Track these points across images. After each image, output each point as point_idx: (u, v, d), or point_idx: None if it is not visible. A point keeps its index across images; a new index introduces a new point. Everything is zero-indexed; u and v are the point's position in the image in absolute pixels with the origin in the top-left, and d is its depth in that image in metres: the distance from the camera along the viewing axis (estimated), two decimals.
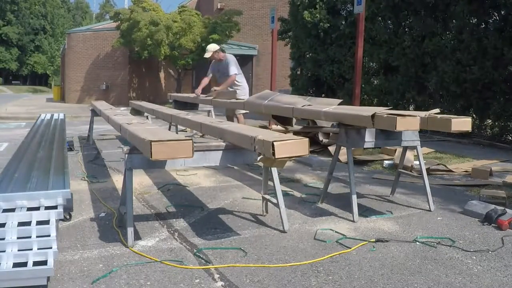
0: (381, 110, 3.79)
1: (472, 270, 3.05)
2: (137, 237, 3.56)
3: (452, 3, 9.36)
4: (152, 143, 2.90)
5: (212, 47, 7.58)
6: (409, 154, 5.87)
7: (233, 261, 3.13)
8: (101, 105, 8.01)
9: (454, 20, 9.43)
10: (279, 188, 3.74)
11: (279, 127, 7.46)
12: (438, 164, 6.32)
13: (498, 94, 8.83)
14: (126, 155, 3.33)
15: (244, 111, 7.12)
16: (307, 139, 3.04)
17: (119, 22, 20.37)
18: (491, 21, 8.92)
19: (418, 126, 3.70)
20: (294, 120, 6.19)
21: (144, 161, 3.31)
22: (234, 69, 7.44)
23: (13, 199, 3.17)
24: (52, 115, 9.07)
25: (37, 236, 2.86)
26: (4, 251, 2.69)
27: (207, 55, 7.55)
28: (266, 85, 21.06)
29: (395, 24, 11.17)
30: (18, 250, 2.72)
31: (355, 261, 3.17)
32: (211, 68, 7.81)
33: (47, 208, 3.20)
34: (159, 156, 2.93)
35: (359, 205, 4.22)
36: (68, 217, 3.89)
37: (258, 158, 3.25)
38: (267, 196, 4.07)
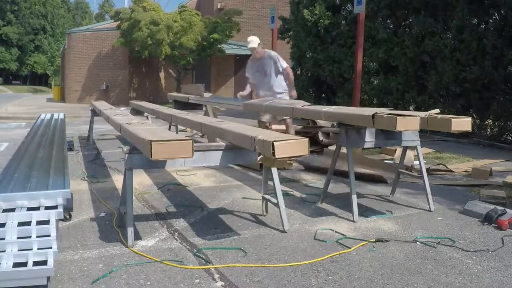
0: (382, 110, 3.79)
1: (472, 270, 3.05)
2: (137, 237, 3.56)
3: (452, 2, 9.36)
4: (152, 143, 2.90)
5: (257, 39, 6.24)
6: (409, 154, 5.87)
7: (233, 261, 3.13)
8: (101, 105, 8.01)
9: (454, 20, 9.44)
10: (279, 188, 3.74)
11: (279, 127, 7.45)
12: (438, 164, 6.32)
13: (498, 94, 8.84)
14: (126, 155, 3.33)
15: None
16: (307, 139, 3.05)
17: (120, 21, 20.37)
18: (491, 21, 8.93)
19: (418, 126, 3.70)
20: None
21: (144, 161, 3.31)
22: (284, 62, 6.31)
23: (13, 199, 3.18)
24: (52, 115, 9.07)
25: (37, 236, 2.87)
26: (4, 251, 2.69)
27: (253, 45, 6.15)
28: None
29: (394, 23, 11.18)
30: (18, 250, 2.72)
31: (355, 261, 3.17)
32: (250, 69, 6.53)
33: (47, 208, 3.20)
34: (159, 156, 2.93)
35: (359, 205, 4.22)
36: (68, 217, 3.89)
37: (258, 158, 3.25)
38: (267, 196, 4.07)
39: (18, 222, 2.98)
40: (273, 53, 6.41)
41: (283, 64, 6.27)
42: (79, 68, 22.96)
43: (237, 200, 4.75)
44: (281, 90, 6.36)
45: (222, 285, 2.80)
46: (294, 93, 6.48)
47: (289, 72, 6.34)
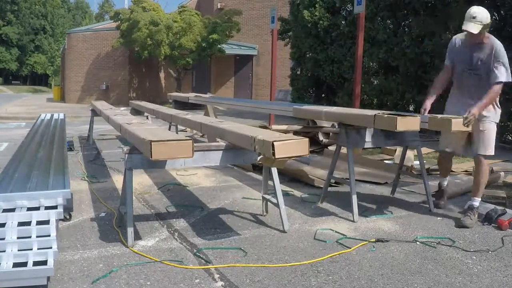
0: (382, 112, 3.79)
1: (472, 270, 3.05)
2: (137, 237, 3.56)
3: (451, 2, 9.36)
4: (152, 143, 2.90)
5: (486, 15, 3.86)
6: (409, 154, 5.87)
7: (233, 261, 3.13)
8: (101, 105, 8.01)
9: (453, 20, 9.43)
10: (279, 188, 3.74)
11: (279, 127, 7.46)
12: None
13: None
14: (126, 155, 3.33)
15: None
16: (307, 139, 3.05)
17: (119, 22, 20.37)
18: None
19: (418, 126, 3.70)
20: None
21: (144, 161, 3.31)
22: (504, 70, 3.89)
23: (13, 199, 3.17)
24: (52, 115, 9.06)
25: (37, 236, 2.86)
26: (4, 251, 2.69)
27: (476, 29, 3.83)
28: (266, 85, 21.08)
29: (394, 23, 11.18)
30: (18, 250, 2.72)
31: (355, 261, 3.17)
32: (453, 52, 4.22)
33: (47, 208, 3.20)
34: (159, 156, 2.93)
35: (359, 205, 4.22)
36: (68, 217, 3.89)
37: (258, 158, 3.25)
38: (267, 196, 4.07)
39: (18, 222, 2.98)
40: (497, 43, 4.07)
41: (501, 73, 3.93)
42: (79, 68, 22.97)
43: (237, 200, 4.75)
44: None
45: (222, 285, 2.80)
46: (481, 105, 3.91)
47: (496, 86, 3.98)
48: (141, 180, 5.51)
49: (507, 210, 4.00)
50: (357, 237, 3.62)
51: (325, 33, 13.03)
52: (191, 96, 9.04)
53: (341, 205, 4.51)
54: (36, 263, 2.62)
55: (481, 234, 3.74)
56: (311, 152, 5.47)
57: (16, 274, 2.53)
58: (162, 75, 24.75)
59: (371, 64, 12.15)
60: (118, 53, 22.43)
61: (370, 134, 4.07)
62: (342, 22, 12.71)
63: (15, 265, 2.61)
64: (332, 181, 4.94)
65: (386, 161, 6.60)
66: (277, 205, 3.77)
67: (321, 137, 7.47)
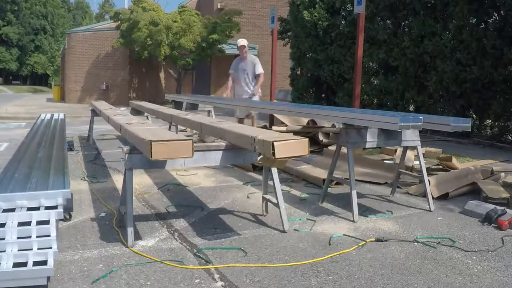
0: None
1: (472, 270, 3.05)
2: (137, 237, 3.56)
3: (451, 3, 9.36)
4: (152, 143, 2.90)
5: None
6: (409, 154, 5.86)
7: (233, 261, 3.13)
8: (101, 105, 8.01)
9: (453, 20, 9.44)
10: (279, 188, 3.74)
11: (279, 127, 7.45)
12: (438, 164, 6.31)
13: (498, 94, 8.84)
14: (126, 155, 3.33)
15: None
16: (307, 139, 3.05)
17: (119, 22, 20.37)
18: (490, 21, 8.93)
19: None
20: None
21: (144, 161, 3.31)
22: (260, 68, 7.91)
23: (13, 199, 3.17)
24: (52, 115, 9.06)
25: (37, 236, 2.86)
26: (4, 251, 2.69)
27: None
28: (266, 85, 21.06)
29: (394, 24, 11.18)
30: (18, 250, 2.72)
31: (355, 261, 3.17)
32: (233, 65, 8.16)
33: (47, 208, 3.20)
34: (159, 156, 2.93)
35: (359, 205, 4.22)
36: (68, 217, 3.89)
37: (258, 158, 3.25)
38: (267, 196, 4.07)
39: (18, 222, 2.98)
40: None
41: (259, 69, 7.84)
42: (79, 68, 22.98)
43: (237, 200, 4.75)
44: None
45: (222, 285, 2.80)
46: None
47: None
48: (141, 180, 5.51)
49: (507, 210, 4.00)
50: (357, 237, 3.61)
51: (324, 33, 13.04)
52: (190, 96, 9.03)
53: (341, 205, 4.51)
54: (36, 263, 2.62)
55: (481, 234, 3.74)
56: (311, 152, 5.46)
57: (16, 274, 2.53)
58: (162, 75, 24.75)
59: (371, 64, 12.15)
60: (118, 53, 22.44)
61: (371, 134, 4.07)
62: (342, 22, 12.72)
63: (15, 265, 2.61)
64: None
65: (386, 161, 6.60)
66: (277, 205, 3.77)
67: (321, 137, 7.47)
